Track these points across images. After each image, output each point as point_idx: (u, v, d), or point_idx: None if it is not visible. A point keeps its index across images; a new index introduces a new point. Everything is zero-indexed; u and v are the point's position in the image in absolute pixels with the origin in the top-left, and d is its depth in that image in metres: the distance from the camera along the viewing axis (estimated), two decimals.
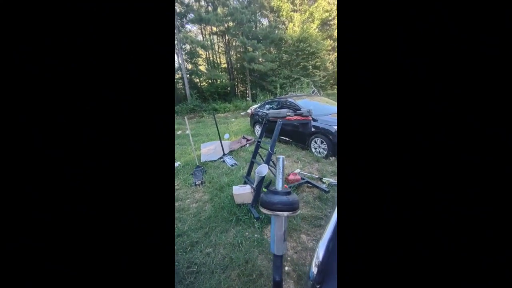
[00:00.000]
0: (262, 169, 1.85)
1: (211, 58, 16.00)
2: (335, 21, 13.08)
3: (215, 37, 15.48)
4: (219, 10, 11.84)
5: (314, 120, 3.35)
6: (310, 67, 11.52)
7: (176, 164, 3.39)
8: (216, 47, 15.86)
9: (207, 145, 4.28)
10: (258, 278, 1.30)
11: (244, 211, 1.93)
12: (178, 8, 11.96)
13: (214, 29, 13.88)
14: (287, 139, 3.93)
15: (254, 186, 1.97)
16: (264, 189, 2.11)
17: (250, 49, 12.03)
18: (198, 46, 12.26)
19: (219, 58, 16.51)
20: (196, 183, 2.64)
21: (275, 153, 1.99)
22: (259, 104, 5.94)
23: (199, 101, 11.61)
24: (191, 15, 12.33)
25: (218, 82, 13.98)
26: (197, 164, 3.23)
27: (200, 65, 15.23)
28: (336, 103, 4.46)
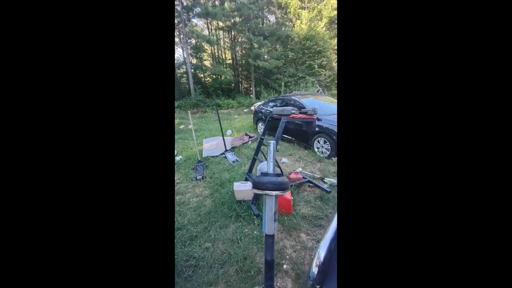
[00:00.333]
0: (264, 167, 1.83)
1: (216, 54, 15.91)
2: None
3: (221, 32, 15.36)
4: (226, 4, 11.70)
5: (318, 119, 3.32)
6: (316, 66, 11.38)
7: (178, 158, 3.40)
8: (222, 43, 15.75)
9: (209, 140, 4.27)
10: (256, 275, 1.30)
11: (244, 207, 1.92)
12: (184, 1, 11.87)
13: (221, 24, 13.76)
14: (290, 137, 3.90)
15: None
16: None
17: (256, 45, 11.92)
18: (204, 40, 12.17)
19: (224, 53, 16.41)
20: (197, 177, 2.65)
21: (278, 150, 1.98)
22: (262, 102, 5.90)
23: (203, 96, 11.59)
24: (197, 9, 12.23)
25: (223, 78, 13.90)
26: (199, 159, 3.23)
27: (205, 60, 15.16)
28: None
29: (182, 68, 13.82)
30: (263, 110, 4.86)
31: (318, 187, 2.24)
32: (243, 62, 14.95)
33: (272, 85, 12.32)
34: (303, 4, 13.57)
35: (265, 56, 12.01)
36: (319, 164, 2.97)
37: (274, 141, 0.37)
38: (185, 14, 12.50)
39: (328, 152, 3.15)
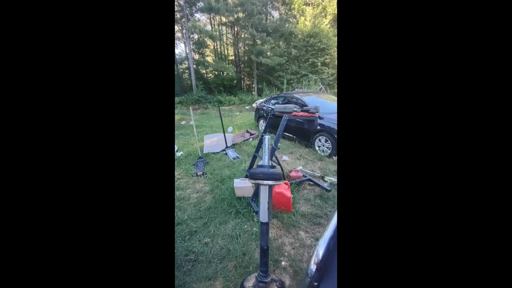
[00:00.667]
0: None
1: (219, 49, 15.79)
2: None
3: (224, 27, 15.21)
4: None
5: (320, 118, 3.30)
6: (319, 63, 11.27)
7: (179, 154, 3.41)
8: (225, 38, 15.61)
9: (211, 136, 4.27)
10: (254, 271, 1.31)
11: (244, 204, 1.93)
12: None
13: (224, 19, 13.60)
14: (291, 135, 3.89)
15: None
16: None
17: (258, 42, 11.80)
18: (207, 36, 12.04)
19: (227, 49, 16.28)
20: (198, 173, 2.65)
21: (279, 148, 1.97)
22: (264, 99, 5.87)
23: (205, 93, 11.55)
24: (200, 4, 12.08)
25: (225, 74, 13.83)
26: (200, 155, 3.24)
27: (207, 55, 15.05)
28: None
29: (184, 64, 13.74)
30: (264, 108, 4.84)
31: (318, 185, 2.24)
32: (246, 59, 14.83)
33: (274, 82, 12.25)
34: (307, 0, 13.36)
35: (268, 53, 11.89)
36: (320, 162, 2.97)
37: (268, 136, 0.39)
38: (188, 8, 12.37)
39: (329, 151, 3.14)
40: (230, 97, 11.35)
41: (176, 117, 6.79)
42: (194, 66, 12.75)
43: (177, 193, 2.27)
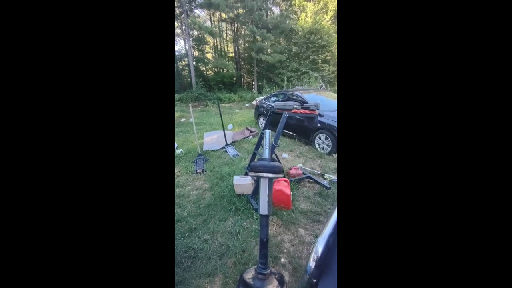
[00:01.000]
0: None
1: (219, 46, 15.65)
2: None
3: (223, 24, 15.04)
4: None
5: (320, 115, 3.28)
6: (320, 61, 11.18)
7: (178, 151, 3.40)
8: (224, 35, 15.45)
9: (210, 134, 4.26)
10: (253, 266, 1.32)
11: (243, 201, 1.93)
12: None
13: (223, 15, 13.45)
14: (291, 133, 3.88)
15: (255, 178, 1.96)
16: None
17: (259, 38, 11.68)
18: (206, 32, 11.92)
19: (227, 46, 16.13)
20: (197, 171, 2.65)
21: (278, 145, 1.96)
22: (264, 96, 5.85)
23: (205, 90, 11.48)
24: None
25: (225, 71, 13.72)
26: (199, 152, 3.23)
27: (207, 52, 14.92)
28: None
29: (184, 61, 13.63)
30: (264, 105, 4.81)
31: (318, 183, 2.24)
32: (246, 56, 14.71)
33: (274, 79, 12.17)
34: None
35: (268, 50, 11.79)
36: (320, 160, 2.96)
37: (269, 130, 0.39)
38: (187, 4, 12.21)
39: (329, 149, 3.13)
40: (230, 95, 11.29)
41: (176, 114, 6.77)
42: (194, 63, 12.65)
43: (176, 190, 2.27)
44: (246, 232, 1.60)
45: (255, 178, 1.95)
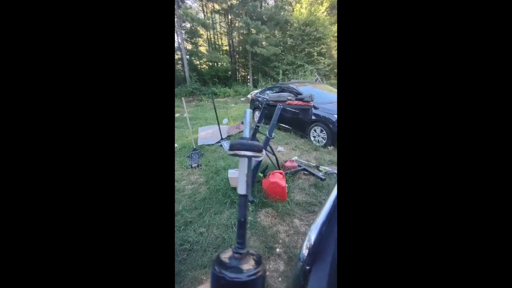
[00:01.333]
0: None
1: (212, 39, 15.26)
2: None
3: (217, 16, 14.61)
4: None
5: (315, 107, 3.28)
6: (315, 53, 11.07)
7: None
8: (218, 27, 15.05)
9: (205, 128, 4.22)
10: None
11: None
12: None
13: (216, 6, 13.04)
14: (287, 126, 3.87)
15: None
16: (260, 174, 2.11)
17: (253, 31, 11.45)
18: (199, 24, 11.57)
19: (221, 39, 15.75)
20: (192, 165, 2.63)
21: (273, 137, 1.95)
22: (260, 90, 5.79)
23: (199, 84, 11.27)
24: None
25: (219, 65, 13.45)
26: (194, 147, 3.20)
27: (200, 45, 14.54)
28: None
29: (177, 54, 13.29)
30: (260, 98, 4.77)
31: (313, 175, 2.25)
32: (240, 49, 14.44)
33: (270, 73, 12.05)
34: None
35: (263, 43, 11.60)
36: (315, 153, 2.98)
37: (250, 110, 0.38)
38: None
39: (324, 141, 3.14)
40: (225, 89, 11.14)
41: None
42: (187, 56, 12.34)
43: None
44: None
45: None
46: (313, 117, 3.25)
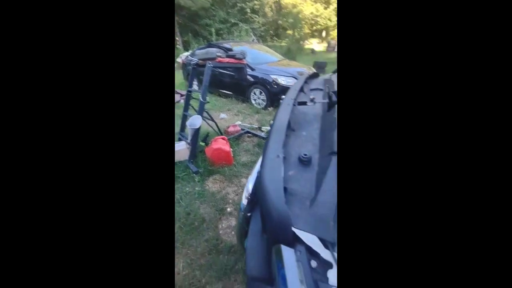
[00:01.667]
0: (195, 121, 1.66)
1: None
2: None
3: None
4: None
5: (252, 69, 3.19)
6: (248, 10, 10.26)
7: None
8: None
9: None
10: (200, 224, 1.33)
11: (181, 168, 1.80)
12: None
13: None
14: (227, 92, 3.68)
15: (189, 140, 1.80)
16: (202, 143, 1.99)
17: None
18: None
19: None
20: None
21: (208, 102, 1.79)
22: (190, 52, 5.03)
23: None
24: None
25: None
26: None
27: None
28: (275, 52, 4.34)
29: None
30: (192, 62, 4.17)
31: (256, 136, 2.34)
32: None
33: (201, 33, 10.51)
34: None
35: None
36: (257, 115, 3.05)
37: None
38: None
39: (265, 103, 3.23)
40: None
41: None
42: None
43: None
44: (189, 196, 1.55)
45: (189, 142, 1.78)
46: (252, 79, 3.19)
